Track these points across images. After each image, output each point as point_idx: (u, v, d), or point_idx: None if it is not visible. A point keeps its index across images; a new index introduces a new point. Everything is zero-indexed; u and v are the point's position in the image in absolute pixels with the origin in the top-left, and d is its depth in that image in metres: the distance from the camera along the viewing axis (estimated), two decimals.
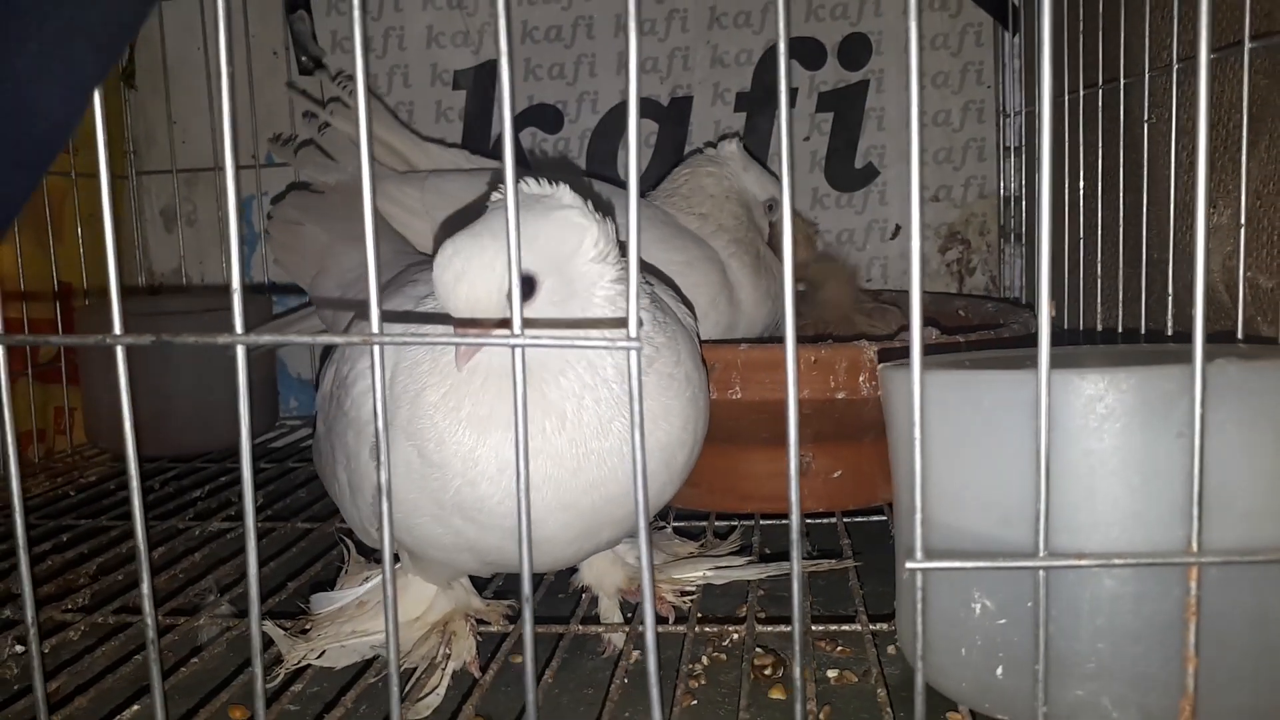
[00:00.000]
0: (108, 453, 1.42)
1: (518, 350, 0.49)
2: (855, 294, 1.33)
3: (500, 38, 0.45)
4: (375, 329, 0.49)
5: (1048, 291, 0.47)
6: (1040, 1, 0.45)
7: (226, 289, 1.58)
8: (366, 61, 0.46)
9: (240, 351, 0.50)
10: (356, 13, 0.46)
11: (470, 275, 0.62)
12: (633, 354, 0.48)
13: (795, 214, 1.42)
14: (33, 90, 0.33)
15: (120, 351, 0.51)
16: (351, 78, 1.31)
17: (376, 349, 0.49)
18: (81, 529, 1.08)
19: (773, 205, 1.22)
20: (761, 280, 1.15)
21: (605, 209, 0.71)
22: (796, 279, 1.12)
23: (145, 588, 0.52)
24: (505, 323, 0.63)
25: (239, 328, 0.50)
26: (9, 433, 0.54)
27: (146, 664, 0.77)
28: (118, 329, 0.50)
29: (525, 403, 0.49)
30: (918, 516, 0.48)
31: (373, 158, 0.48)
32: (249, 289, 1.62)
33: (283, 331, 1.20)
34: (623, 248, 0.71)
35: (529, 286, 0.63)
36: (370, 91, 1.27)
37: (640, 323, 0.48)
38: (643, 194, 1.23)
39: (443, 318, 0.66)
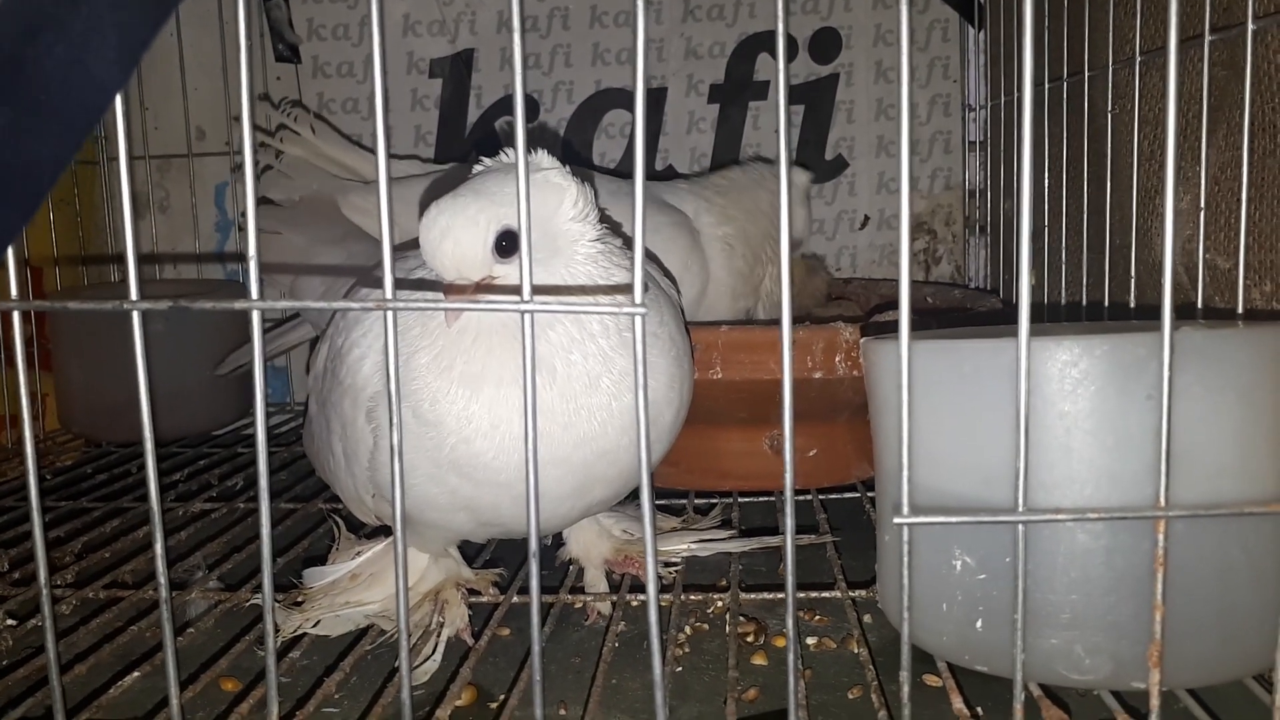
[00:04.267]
0: (81, 438, 1.41)
1: (528, 316, 0.51)
2: (822, 285, 1.36)
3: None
4: (389, 294, 0.51)
5: (1028, 260, 0.49)
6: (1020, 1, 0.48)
7: (199, 279, 1.56)
8: (384, 65, 0.48)
9: (256, 317, 0.52)
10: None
11: (455, 231, 0.64)
12: (637, 319, 0.51)
13: (811, 257, 1.45)
14: (84, 53, 0.34)
15: (136, 317, 0.52)
16: (295, 103, 1.33)
17: (389, 313, 0.51)
18: (62, 510, 1.09)
19: (794, 246, 1.24)
20: (735, 281, 1.15)
21: (583, 176, 0.74)
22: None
23: (159, 547, 0.53)
24: (482, 286, 0.65)
25: (254, 293, 0.51)
26: (24, 401, 0.55)
27: (143, 631, 0.80)
28: (134, 295, 0.52)
29: (534, 367, 0.51)
30: (904, 474, 0.50)
31: (388, 141, 0.50)
32: (223, 275, 1.62)
33: (285, 327, 1.22)
34: (602, 214, 0.74)
35: (512, 241, 0.65)
36: (319, 116, 1.31)
37: (645, 288, 0.50)
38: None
39: (433, 285, 0.68)
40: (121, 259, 1.60)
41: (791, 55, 1.53)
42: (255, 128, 1.35)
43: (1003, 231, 1.40)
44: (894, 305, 1.22)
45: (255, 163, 0.51)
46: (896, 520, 0.51)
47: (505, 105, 1.55)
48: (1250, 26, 0.73)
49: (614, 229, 0.74)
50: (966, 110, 1.52)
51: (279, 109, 1.29)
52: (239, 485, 1.19)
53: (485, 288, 0.65)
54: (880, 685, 0.67)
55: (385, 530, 0.87)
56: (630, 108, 1.55)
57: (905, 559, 0.51)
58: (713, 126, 1.55)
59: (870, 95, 1.54)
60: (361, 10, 1.52)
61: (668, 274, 0.93)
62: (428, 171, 1.21)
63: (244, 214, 1.45)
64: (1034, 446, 0.53)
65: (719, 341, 0.97)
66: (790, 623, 0.54)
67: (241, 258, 1.58)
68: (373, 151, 1.30)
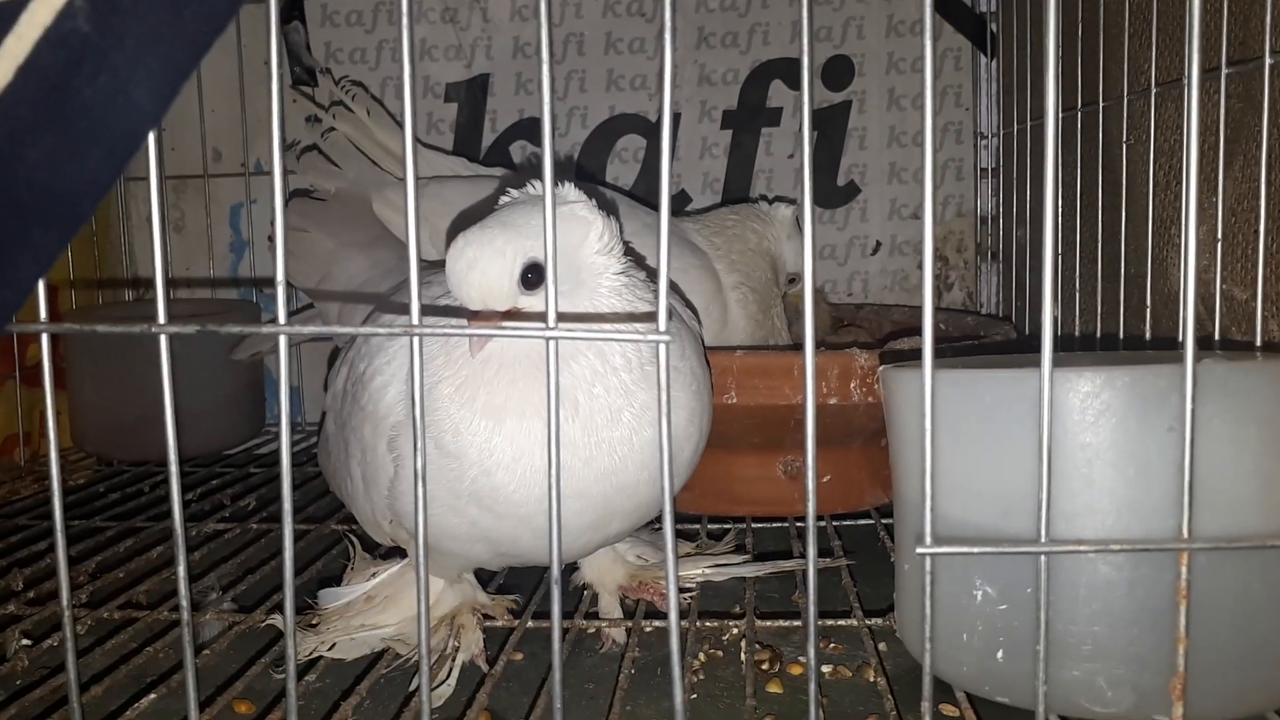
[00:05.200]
0: (93, 456, 1.42)
1: (552, 343, 0.51)
2: (824, 316, 1.36)
3: (542, 36, 0.48)
4: (415, 320, 0.51)
5: (1050, 291, 0.50)
6: (1045, 25, 0.49)
7: (213, 299, 1.55)
8: (414, 66, 0.49)
9: (283, 341, 0.52)
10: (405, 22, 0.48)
11: (482, 262, 0.64)
12: (661, 347, 0.51)
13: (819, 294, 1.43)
14: (127, 83, 0.35)
15: (164, 340, 0.53)
16: (355, 83, 1.32)
17: (416, 339, 0.51)
18: (76, 529, 1.09)
19: (794, 279, 1.23)
20: (752, 328, 1.15)
21: (609, 208, 0.74)
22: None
23: (181, 570, 0.54)
24: (508, 315, 0.65)
25: (282, 317, 0.52)
26: (50, 421, 0.55)
27: (158, 653, 0.80)
28: (162, 318, 0.52)
29: (558, 393, 0.51)
30: (928, 504, 0.50)
31: (416, 163, 0.50)
32: (235, 291, 1.62)
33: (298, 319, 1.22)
34: (627, 248, 0.74)
35: (538, 274, 0.65)
36: (376, 99, 1.29)
37: (670, 316, 0.50)
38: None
39: (459, 313, 0.68)
40: (137, 280, 1.61)
41: None
42: (284, 130, 1.34)
43: (1014, 258, 1.40)
44: (907, 332, 1.22)
45: (284, 185, 0.51)
46: (919, 550, 0.51)
47: (519, 129, 1.56)
48: (1267, 60, 0.74)
49: (638, 262, 0.74)
50: (978, 138, 1.53)
51: (339, 85, 1.28)
52: (251, 506, 1.19)
53: (511, 317, 0.65)
54: (898, 714, 0.67)
55: (400, 551, 0.87)
56: (643, 133, 1.56)
57: (927, 589, 0.51)
58: (725, 152, 1.56)
59: (883, 122, 1.54)
60: (379, 35, 1.54)
61: (690, 306, 0.93)
62: (474, 174, 1.21)
63: (273, 232, 1.46)
64: (1055, 477, 0.53)
65: (734, 366, 0.97)
66: (811, 651, 0.54)
67: (255, 282, 1.59)
68: (426, 144, 1.29)
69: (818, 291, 1.45)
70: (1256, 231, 0.76)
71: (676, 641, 0.52)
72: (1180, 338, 0.49)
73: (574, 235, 0.69)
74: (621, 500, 0.71)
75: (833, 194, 1.56)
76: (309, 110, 1.29)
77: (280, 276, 0.51)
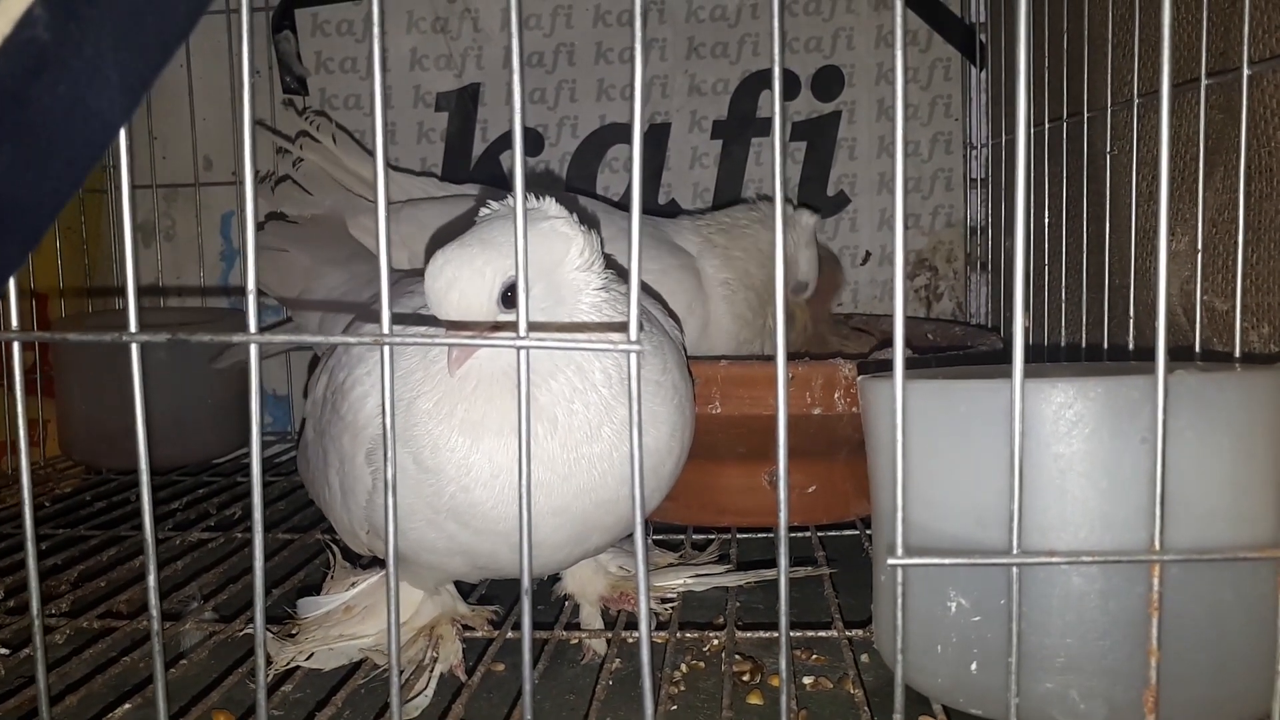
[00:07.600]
0: (82, 465, 1.42)
1: (522, 352, 0.51)
2: (829, 314, 1.36)
3: (513, 45, 0.48)
4: (386, 329, 0.51)
5: (1022, 301, 0.50)
6: (1015, 40, 0.49)
7: (202, 308, 1.56)
8: (384, 89, 0.49)
9: (254, 350, 0.52)
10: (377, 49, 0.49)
11: (461, 281, 0.64)
12: (632, 357, 0.51)
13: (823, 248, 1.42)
14: (88, 90, 0.35)
15: (135, 349, 0.53)
16: (319, 112, 1.34)
17: (386, 348, 0.51)
18: (60, 538, 1.09)
19: (800, 289, 1.20)
20: (737, 327, 1.14)
21: (590, 222, 0.74)
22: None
23: (152, 580, 0.53)
24: (496, 327, 0.65)
25: (253, 326, 0.51)
26: (22, 435, 0.55)
27: (136, 662, 0.79)
28: (133, 326, 0.52)
29: (529, 403, 0.51)
30: (899, 515, 0.50)
31: (388, 167, 0.50)
32: (227, 303, 1.62)
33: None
34: (608, 259, 0.74)
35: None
36: (340, 127, 1.31)
37: (641, 326, 0.50)
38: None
39: (437, 323, 0.68)
40: (124, 290, 1.60)
41: (794, 93, 1.54)
42: (264, 145, 1.36)
43: (1004, 269, 1.41)
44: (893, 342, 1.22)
45: (254, 196, 0.51)
46: (890, 561, 0.51)
47: (510, 139, 1.56)
48: (1245, 71, 0.74)
49: (620, 275, 0.74)
50: (968, 148, 1.53)
51: (303, 115, 1.30)
52: (237, 515, 1.19)
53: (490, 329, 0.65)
54: None
55: (381, 561, 0.87)
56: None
57: (899, 600, 0.51)
58: (716, 162, 1.56)
59: (872, 132, 1.55)
60: (369, 44, 1.54)
61: (672, 315, 0.93)
62: (445, 194, 1.22)
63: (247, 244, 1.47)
64: (1028, 488, 0.53)
65: (718, 376, 0.97)
66: (783, 660, 0.54)
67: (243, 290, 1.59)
68: (395, 168, 1.30)
69: (829, 251, 1.44)
70: (1236, 243, 0.76)
71: (647, 651, 0.52)
72: (1155, 346, 0.49)
73: (555, 252, 0.69)
74: (600, 516, 0.70)
75: (822, 204, 1.56)
76: (294, 124, 1.29)
77: (251, 285, 0.51)
